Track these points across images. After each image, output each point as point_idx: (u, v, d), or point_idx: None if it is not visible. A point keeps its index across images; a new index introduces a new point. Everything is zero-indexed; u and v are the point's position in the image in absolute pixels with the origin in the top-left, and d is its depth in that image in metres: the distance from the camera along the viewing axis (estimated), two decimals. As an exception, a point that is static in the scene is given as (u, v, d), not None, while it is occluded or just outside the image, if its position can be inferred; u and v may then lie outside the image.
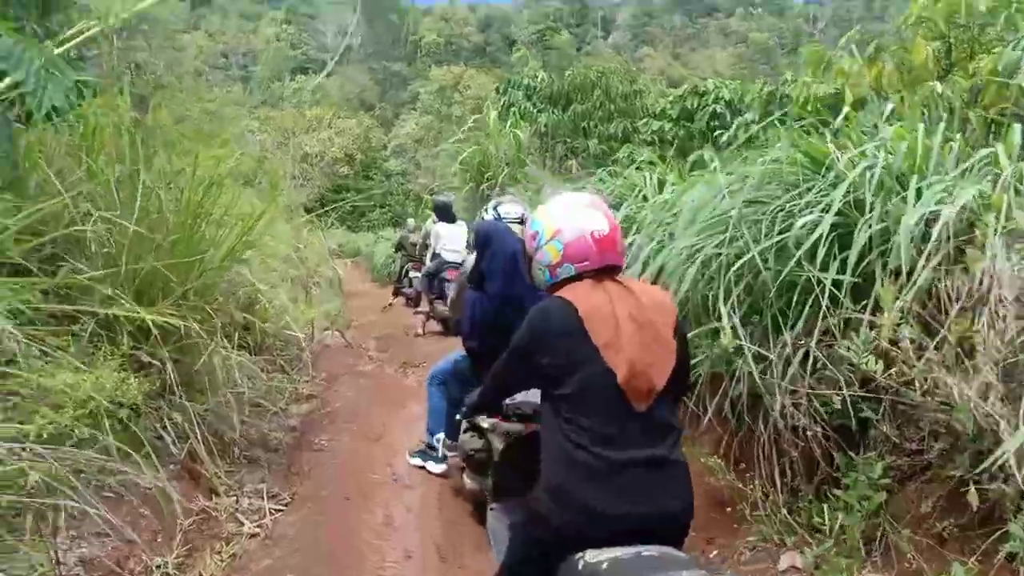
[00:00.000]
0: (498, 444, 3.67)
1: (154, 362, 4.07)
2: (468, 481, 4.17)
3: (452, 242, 9.25)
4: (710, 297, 3.33)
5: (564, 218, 2.31)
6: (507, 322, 2.97)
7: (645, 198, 4.19)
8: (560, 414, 2.13)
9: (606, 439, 2.06)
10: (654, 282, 3.78)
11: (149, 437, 3.91)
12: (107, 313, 3.99)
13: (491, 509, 3.14)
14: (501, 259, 4.05)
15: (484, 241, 4.19)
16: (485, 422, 3.87)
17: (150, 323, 4.06)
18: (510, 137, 10.66)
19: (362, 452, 5.11)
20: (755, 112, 7.55)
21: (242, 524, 3.90)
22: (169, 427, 4.12)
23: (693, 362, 3.22)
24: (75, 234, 4.05)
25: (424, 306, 10.04)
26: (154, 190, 4.45)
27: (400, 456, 5.04)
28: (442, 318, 9.36)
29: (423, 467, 4.86)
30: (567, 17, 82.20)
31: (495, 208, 4.50)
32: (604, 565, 1.92)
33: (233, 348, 5.34)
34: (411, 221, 14.66)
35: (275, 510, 4.12)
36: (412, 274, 11.55)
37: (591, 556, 1.98)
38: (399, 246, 13.41)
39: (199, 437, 4.19)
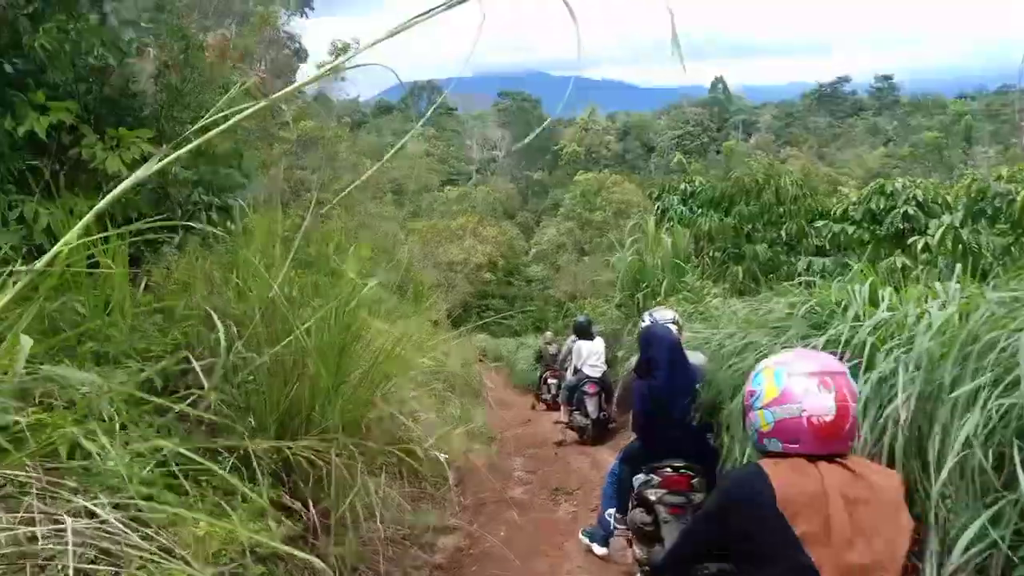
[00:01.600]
0: (665, 516, 4.40)
1: (294, 504, 3.70)
2: (637, 551, 4.78)
3: (592, 358, 9.98)
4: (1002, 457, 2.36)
5: (786, 386, 2.11)
6: (668, 409, 4.47)
7: (857, 316, 3.53)
8: None
9: None
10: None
11: (286, 588, 3.51)
12: (247, 448, 3.70)
13: None
14: (665, 351, 4.60)
15: (647, 339, 4.80)
16: (652, 495, 4.49)
17: (293, 458, 3.73)
18: (667, 244, 10.15)
19: None
20: (961, 212, 6.69)
21: None
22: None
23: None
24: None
25: (564, 416, 10.68)
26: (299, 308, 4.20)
27: None
28: (579, 428, 10.03)
29: (589, 548, 5.37)
30: (706, 121, 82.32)
31: (650, 314, 5.32)
32: None
33: (380, 477, 4.99)
34: (548, 333, 16.41)
35: None
36: (550, 381, 12.82)
37: None
38: (539, 356, 14.82)
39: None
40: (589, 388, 9.74)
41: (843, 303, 3.69)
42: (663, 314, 5.26)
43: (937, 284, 3.34)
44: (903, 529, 1.94)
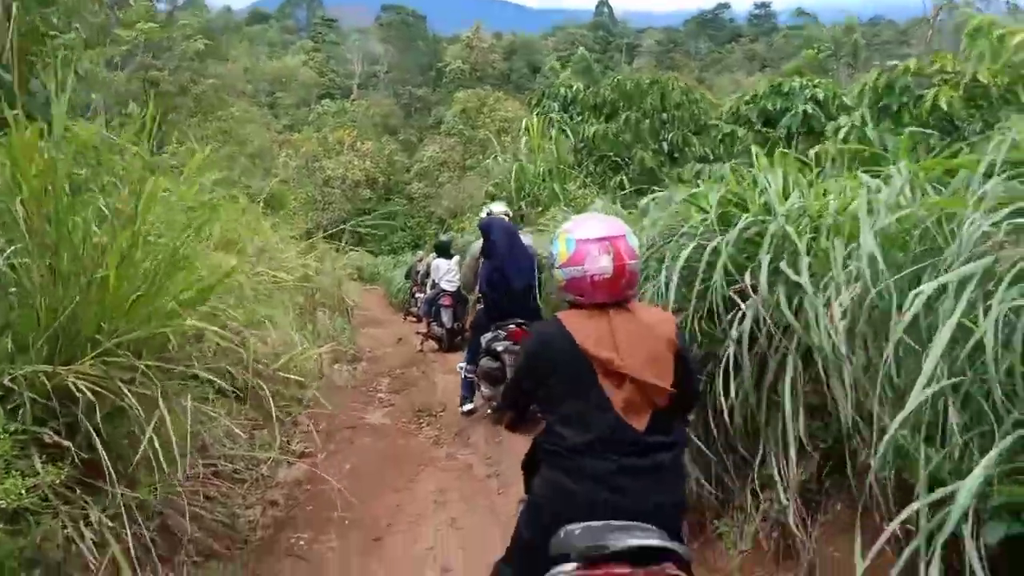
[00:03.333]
0: (510, 361, 5.70)
1: (63, 442, 2.98)
2: (485, 390, 6.27)
3: (448, 274, 10.88)
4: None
5: (573, 251, 2.45)
6: (507, 281, 6.00)
7: (768, 209, 3.09)
8: (556, 430, 2.36)
9: (597, 447, 2.28)
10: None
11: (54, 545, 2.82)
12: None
13: (521, 501, 2.99)
14: (503, 234, 6.01)
15: (487, 227, 6.12)
16: (499, 346, 6.01)
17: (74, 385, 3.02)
18: (549, 152, 9.53)
19: (353, 565, 3.74)
20: (863, 110, 6.29)
21: None
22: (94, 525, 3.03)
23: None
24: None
25: (424, 327, 11.76)
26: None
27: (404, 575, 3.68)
28: (436, 337, 11.07)
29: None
30: (591, 43, 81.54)
31: (487, 208, 6.64)
32: (577, 531, 2.20)
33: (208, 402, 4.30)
34: (420, 252, 17.39)
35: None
36: (418, 295, 13.80)
37: (571, 527, 2.22)
38: (408, 274, 15.96)
39: (130, 536, 3.07)
40: (444, 301, 10.74)
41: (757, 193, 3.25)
42: (498, 207, 6.69)
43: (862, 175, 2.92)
44: (669, 358, 2.36)
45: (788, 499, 2.77)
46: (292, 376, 5.40)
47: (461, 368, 6.71)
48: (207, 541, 3.82)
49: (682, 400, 2.40)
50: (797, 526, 2.72)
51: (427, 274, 12.64)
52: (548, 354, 2.40)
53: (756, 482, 3.05)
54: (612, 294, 2.41)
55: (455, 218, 23.51)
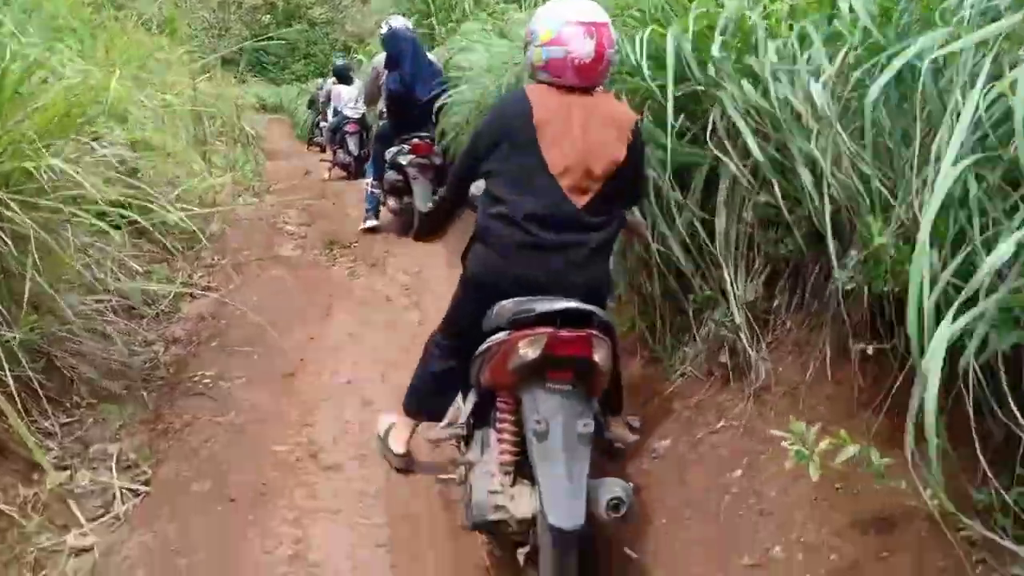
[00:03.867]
0: (414, 174, 6.16)
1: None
2: (391, 202, 6.65)
3: (351, 101, 10.68)
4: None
5: (558, 32, 2.43)
6: (412, 93, 6.07)
7: None
8: (494, 195, 2.45)
9: (534, 220, 2.36)
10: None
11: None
12: None
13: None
14: (408, 43, 6.10)
15: (391, 38, 6.20)
16: (403, 159, 6.23)
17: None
18: None
19: (263, 403, 3.43)
20: None
21: (66, 529, 2.48)
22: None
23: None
24: None
25: (329, 155, 11.59)
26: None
27: (321, 412, 3.41)
28: (343, 164, 10.93)
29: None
30: None
31: (387, 22, 6.50)
32: (508, 304, 2.31)
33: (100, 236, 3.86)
34: (320, 80, 16.62)
35: (129, 492, 2.72)
36: (322, 124, 13.17)
37: (502, 302, 2.34)
38: (310, 102, 15.45)
39: (10, 378, 2.73)
40: (350, 128, 10.59)
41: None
42: (398, 20, 6.56)
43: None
44: (621, 149, 2.42)
45: (738, 315, 2.60)
46: (192, 208, 4.91)
47: (366, 184, 7.01)
48: (103, 382, 3.50)
49: (625, 191, 2.52)
50: (749, 345, 2.56)
51: (324, 101, 12.68)
52: (505, 118, 2.49)
53: (697, 302, 2.87)
54: (587, 79, 2.45)
55: (360, 44, 22.08)
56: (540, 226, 2.34)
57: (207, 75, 10.41)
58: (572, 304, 2.19)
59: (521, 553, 2.17)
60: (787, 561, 1.98)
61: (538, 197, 2.35)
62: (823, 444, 1.69)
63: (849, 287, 2.09)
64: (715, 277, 2.76)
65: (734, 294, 2.64)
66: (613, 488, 2.08)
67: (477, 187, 2.64)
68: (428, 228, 6.37)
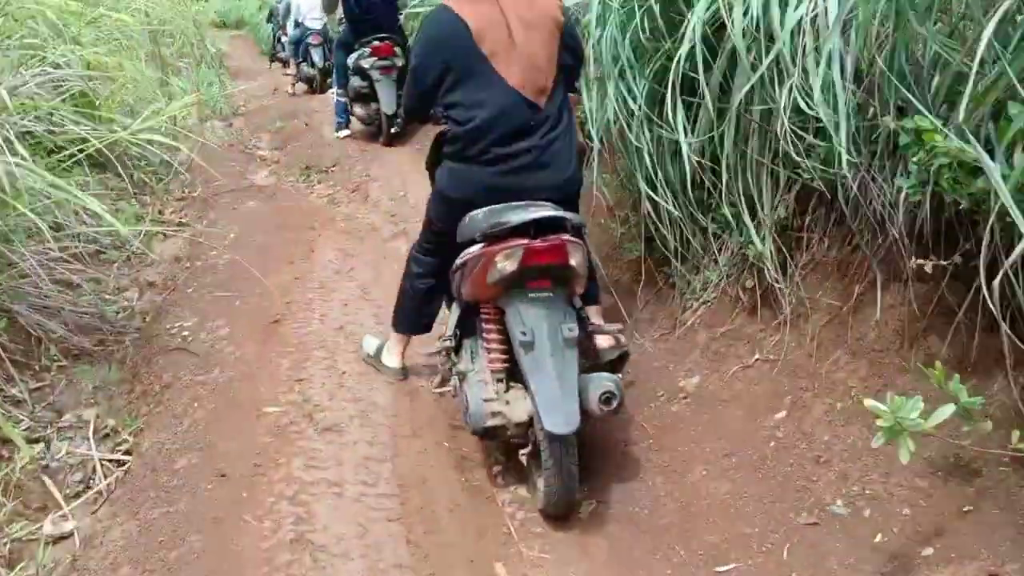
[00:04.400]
0: (377, 76, 6.17)
1: None
2: (357, 109, 6.64)
3: (313, 12, 9.98)
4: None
5: None
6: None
7: None
8: (455, 118, 2.42)
9: (501, 130, 2.35)
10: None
11: None
12: None
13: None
14: None
15: None
16: (366, 63, 6.17)
17: None
18: None
19: (249, 357, 3.09)
20: None
21: (43, 511, 2.26)
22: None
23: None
24: None
25: (292, 69, 11.14)
26: None
27: (313, 363, 3.08)
28: (307, 78, 10.56)
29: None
30: None
31: None
32: (480, 215, 2.32)
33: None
34: None
35: (110, 464, 2.49)
36: (283, 39, 12.57)
37: (474, 212, 2.35)
38: (270, 15, 14.49)
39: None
40: (313, 40, 10.05)
41: None
42: None
43: None
44: (557, 35, 2.39)
45: (764, 238, 2.34)
46: (156, 137, 4.53)
47: (332, 93, 7.11)
48: (74, 339, 3.22)
49: (568, 74, 2.51)
50: (776, 269, 2.31)
51: (284, 13, 12.07)
52: (443, 49, 2.41)
53: (717, 221, 2.60)
54: None
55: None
56: (507, 135, 2.34)
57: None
58: (544, 212, 2.22)
59: (523, 454, 2.22)
60: (853, 517, 1.77)
61: (501, 108, 2.34)
62: (915, 415, 1.39)
63: (915, 197, 1.82)
64: (738, 191, 2.47)
65: (753, 216, 2.37)
66: (604, 383, 2.13)
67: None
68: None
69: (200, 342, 3.18)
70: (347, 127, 6.92)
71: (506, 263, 2.18)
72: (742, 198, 2.42)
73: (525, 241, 2.18)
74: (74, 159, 3.99)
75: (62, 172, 3.89)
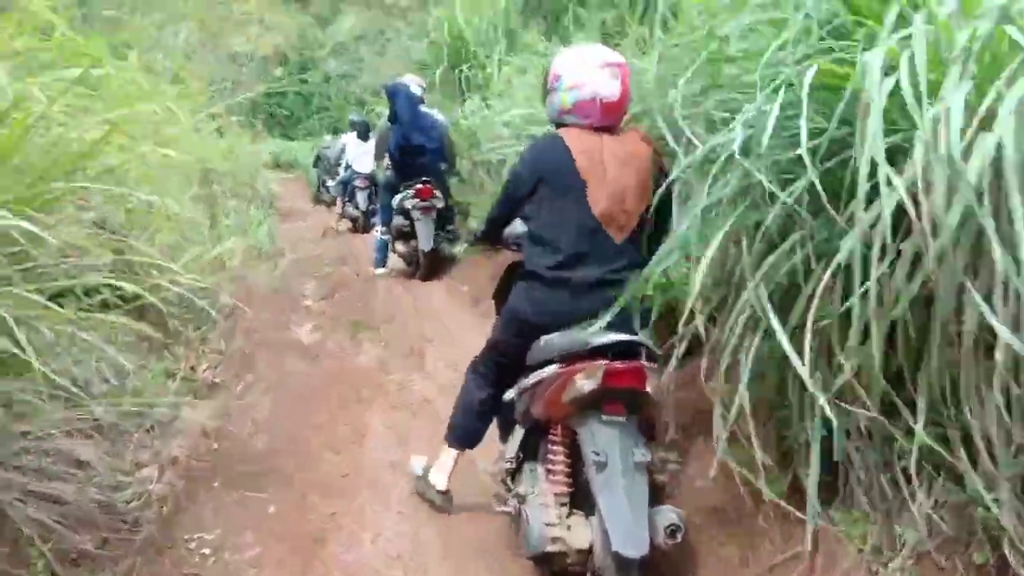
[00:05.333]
0: (418, 215, 6.81)
1: None
2: (399, 246, 7.25)
3: (361, 157, 10.89)
4: None
5: (584, 75, 2.55)
6: (411, 143, 6.77)
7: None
8: (537, 236, 2.55)
9: (578, 259, 2.46)
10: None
11: None
12: None
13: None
14: (405, 99, 6.69)
15: (391, 93, 6.86)
16: (408, 204, 6.82)
17: None
18: (498, 4, 7.94)
19: None
20: None
21: None
22: None
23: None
24: None
25: (339, 208, 12.13)
26: None
27: None
28: (352, 218, 11.48)
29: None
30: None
31: (394, 79, 7.26)
32: (556, 338, 2.41)
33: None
34: (328, 137, 17.21)
35: None
36: (328, 183, 13.83)
37: (549, 336, 2.45)
38: (316, 160, 15.63)
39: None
40: (359, 183, 11.00)
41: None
42: (409, 79, 7.14)
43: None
44: (647, 182, 2.50)
45: (999, 498, 1.72)
46: (196, 281, 4.11)
47: (376, 231, 7.61)
48: (74, 537, 2.64)
49: (655, 223, 2.54)
50: (1014, 542, 1.68)
51: (337, 155, 13.23)
52: (544, 163, 2.55)
53: (907, 459, 1.96)
54: (613, 117, 2.58)
55: (376, 96, 21.55)
56: (583, 264, 2.44)
57: (218, 129, 9.79)
58: (624, 336, 2.27)
59: None
60: None
61: (580, 236, 2.45)
62: None
63: None
64: (948, 408, 1.83)
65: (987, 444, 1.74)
66: (668, 515, 2.15)
67: (514, 227, 2.82)
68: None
69: (221, 566, 2.55)
70: (384, 265, 7.43)
71: (585, 382, 2.23)
72: (955, 419, 1.80)
73: (606, 362, 2.23)
74: (103, 303, 3.54)
75: (89, 320, 3.43)
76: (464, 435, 2.93)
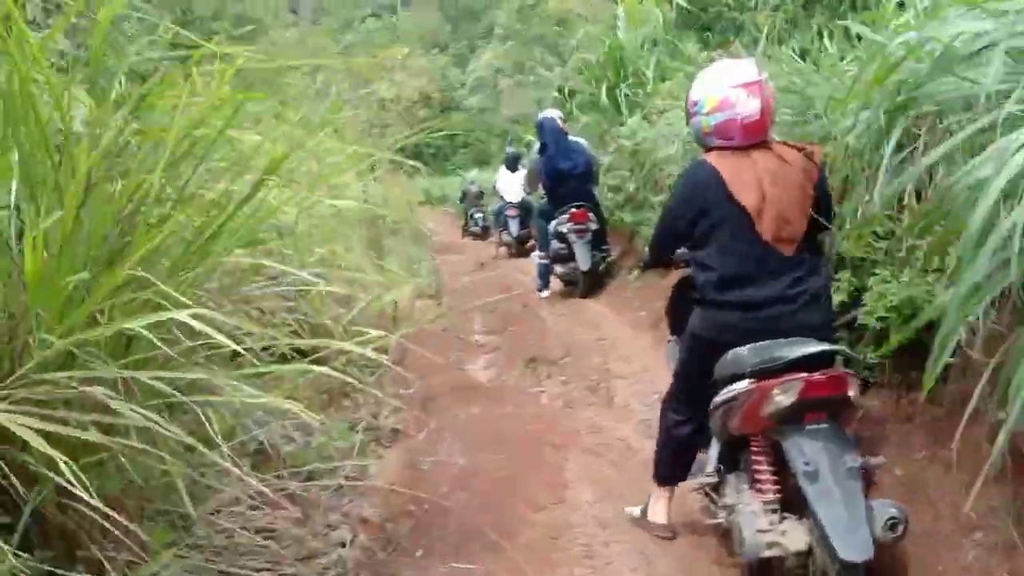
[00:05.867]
0: (574, 238, 7.15)
1: None
2: (558, 268, 7.64)
3: (514, 186, 11.35)
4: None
5: (723, 97, 2.55)
6: (559, 170, 7.23)
7: None
8: (706, 264, 2.57)
9: (749, 281, 2.48)
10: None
11: None
12: None
13: (668, 340, 3.28)
14: (550, 133, 7.37)
15: (540, 127, 7.63)
16: (564, 228, 7.20)
17: None
18: (655, 16, 7.59)
19: None
20: None
21: None
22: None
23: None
24: None
25: (495, 237, 12.88)
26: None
27: None
28: (506, 244, 12.10)
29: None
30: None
31: (542, 113, 7.94)
32: (745, 352, 2.41)
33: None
34: (471, 174, 19.28)
35: None
36: (476, 215, 15.30)
37: (737, 349, 2.45)
38: (463, 196, 16.89)
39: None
40: (511, 212, 11.60)
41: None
42: (548, 112, 7.85)
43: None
44: (807, 191, 2.51)
45: None
46: (370, 331, 3.91)
47: (535, 256, 8.12)
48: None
49: (818, 226, 2.59)
50: None
51: (479, 195, 15.34)
52: (699, 196, 2.58)
53: None
54: (756, 135, 2.56)
55: (519, 124, 21.59)
56: (756, 284, 2.46)
57: (373, 175, 9.93)
58: (818, 347, 2.29)
59: None
60: None
61: (750, 256, 2.47)
62: None
63: None
64: None
65: None
66: (888, 509, 2.10)
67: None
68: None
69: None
70: (547, 288, 7.82)
71: (783, 396, 2.25)
72: None
73: (804, 375, 2.24)
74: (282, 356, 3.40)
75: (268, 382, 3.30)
76: (671, 471, 2.90)
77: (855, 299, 3.00)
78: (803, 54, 5.06)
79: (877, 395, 3.06)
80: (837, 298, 3.03)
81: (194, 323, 2.02)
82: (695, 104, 2.65)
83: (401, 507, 3.21)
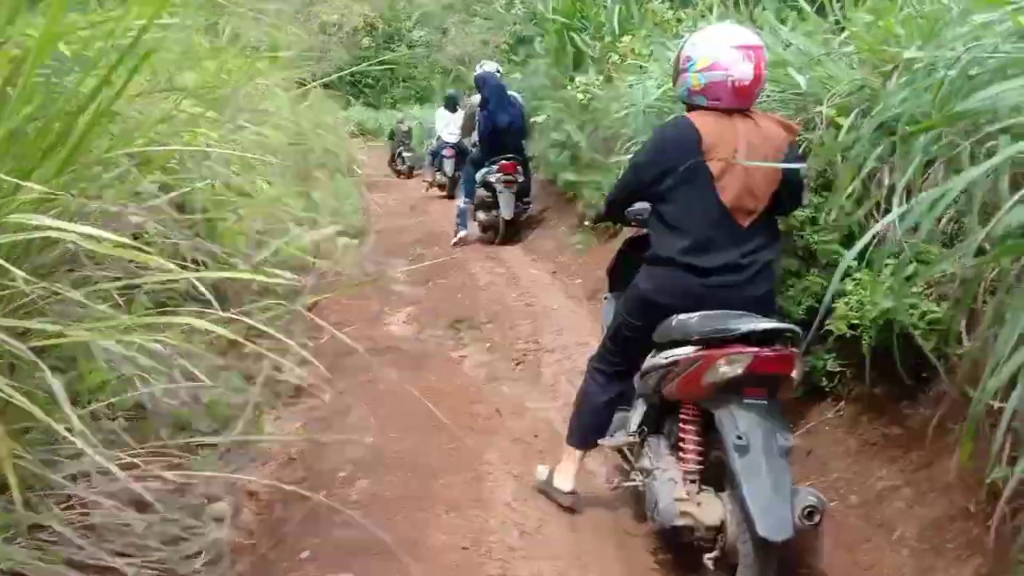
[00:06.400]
0: (501, 188, 7.56)
1: None
2: (480, 215, 8.05)
3: (451, 126, 11.76)
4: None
5: (717, 56, 2.48)
6: (496, 125, 7.60)
7: None
8: (665, 222, 2.54)
9: (704, 246, 2.45)
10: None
11: None
12: None
13: (605, 297, 3.27)
14: (493, 88, 7.74)
15: (481, 82, 7.92)
16: (492, 177, 7.61)
17: None
18: None
19: None
20: None
21: None
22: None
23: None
24: None
25: (429, 176, 13.11)
26: None
27: None
28: (441, 184, 12.36)
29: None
30: None
31: (481, 66, 8.39)
32: (694, 319, 2.39)
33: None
34: (401, 114, 19.74)
35: None
36: (405, 155, 16.19)
37: (683, 316, 2.42)
38: (391, 134, 17.53)
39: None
40: (447, 152, 11.83)
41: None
42: (489, 65, 8.32)
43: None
44: (776, 170, 2.46)
45: None
46: (283, 274, 3.46)
47: (459, 202, 8.34)
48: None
49: (783, 205, 2.62)
50: None
51: (407, 133, 16.28)
52: (673, 153, 2.52)
53: None
54: (745, 100, 2.52)
55: (464, 65, 20.90)
56: (712, 250, 2.45)
57: (307, 102, 9.34)
58: (769, 325, 2.28)
59: (709, 558, 2.21)
60: None
61: (709, 223, 2.46)
62: None
63: None
64: None
65: None
66: (807, 497, 2.10)
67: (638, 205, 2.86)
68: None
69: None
70: (464, 229, 8.05)
71: (728, 368, 2.22)
72: None
73: (755, 349, 2.22)
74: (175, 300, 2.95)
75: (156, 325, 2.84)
76: (587, 434, 2.83)
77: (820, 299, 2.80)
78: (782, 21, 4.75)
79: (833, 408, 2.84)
80: (806, 303, 2.83)
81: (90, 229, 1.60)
82: (688, 60, 2.57)
83: (296, 482, 2.82)
